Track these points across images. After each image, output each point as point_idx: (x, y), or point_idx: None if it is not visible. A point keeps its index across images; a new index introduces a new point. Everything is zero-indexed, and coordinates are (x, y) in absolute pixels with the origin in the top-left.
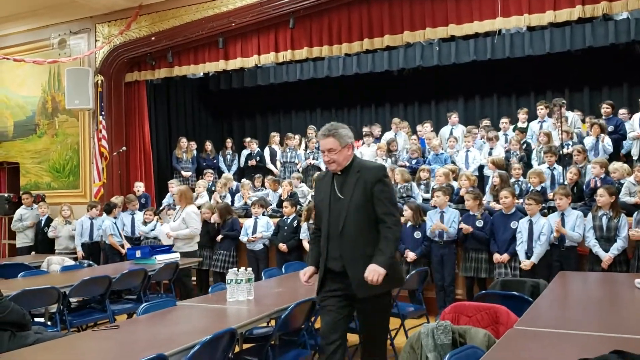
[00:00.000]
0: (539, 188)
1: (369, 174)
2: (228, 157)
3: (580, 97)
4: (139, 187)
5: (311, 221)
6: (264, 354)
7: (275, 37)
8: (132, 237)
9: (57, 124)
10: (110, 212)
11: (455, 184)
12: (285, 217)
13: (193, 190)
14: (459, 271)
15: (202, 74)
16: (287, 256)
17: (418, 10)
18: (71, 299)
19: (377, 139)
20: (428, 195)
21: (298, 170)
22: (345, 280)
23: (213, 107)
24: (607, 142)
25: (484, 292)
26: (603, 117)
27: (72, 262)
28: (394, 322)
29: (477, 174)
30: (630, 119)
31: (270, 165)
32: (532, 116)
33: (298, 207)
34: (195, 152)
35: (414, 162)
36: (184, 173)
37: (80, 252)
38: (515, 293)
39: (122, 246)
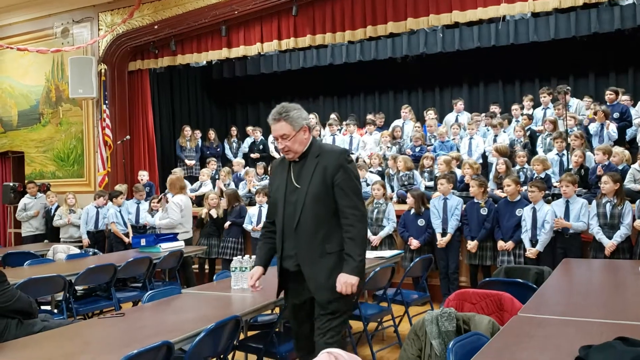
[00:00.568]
0: (543, 175)
1: (329, 158)
2: (234, 144)
3: (585, 84)
4: (143, 175)
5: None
6: (268, 340)
7: (278, 24)
8: (137, 225)
9: (61, 113)
10: (113, 199)
11: (459, 172)
12: None
13: (197, 178)
14: (463, 258)
15: (205, 62)
16: None
17: None
18: (77, 287)
19: (380, 128)
20: (431, 184)
21: None
22: (302, 282)
23: (216, 95)
24: (612, 129)
25: (488, 279)
26: (607, 103)
27: (77, 251)
28: (398, 310)
29: (481, 161)
30: (633, 105)
31: (274, 153)
32: (536, 103)
33: None
34: (199, 140)
35: (417, 149)
36: (187, 161)
37: (86, 240)
38: (520, 280)
39: (127, 235)
